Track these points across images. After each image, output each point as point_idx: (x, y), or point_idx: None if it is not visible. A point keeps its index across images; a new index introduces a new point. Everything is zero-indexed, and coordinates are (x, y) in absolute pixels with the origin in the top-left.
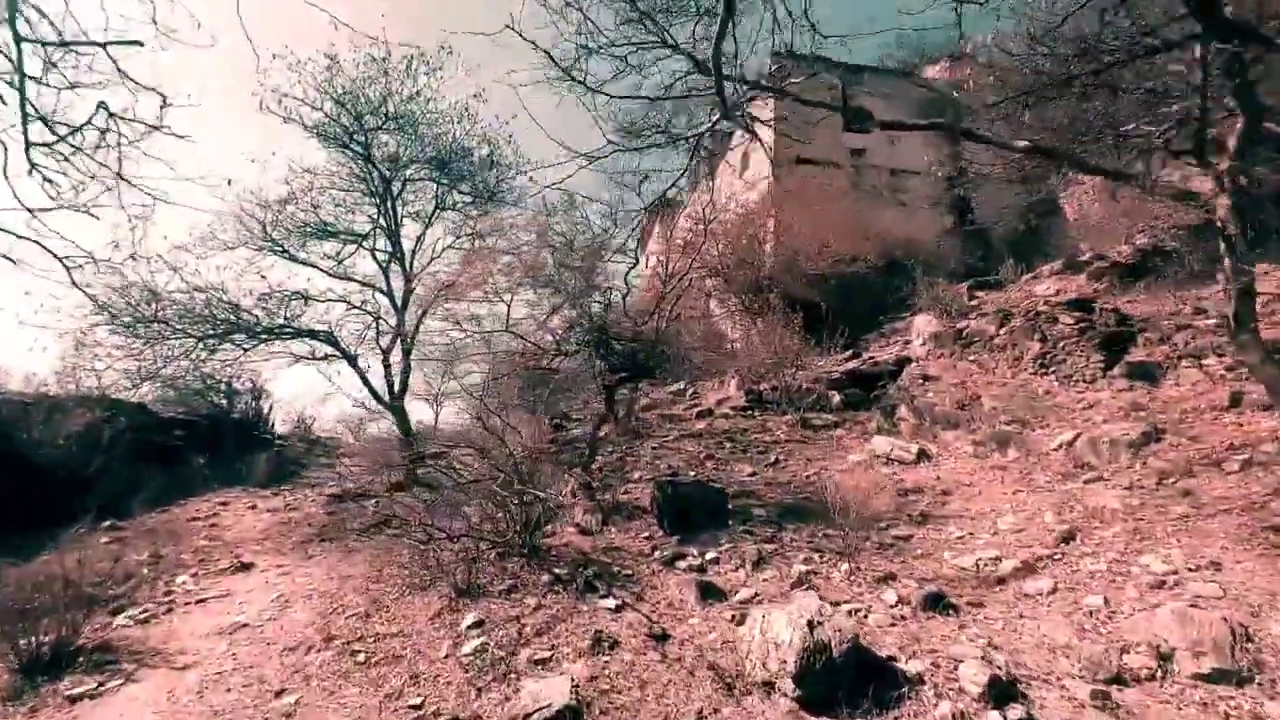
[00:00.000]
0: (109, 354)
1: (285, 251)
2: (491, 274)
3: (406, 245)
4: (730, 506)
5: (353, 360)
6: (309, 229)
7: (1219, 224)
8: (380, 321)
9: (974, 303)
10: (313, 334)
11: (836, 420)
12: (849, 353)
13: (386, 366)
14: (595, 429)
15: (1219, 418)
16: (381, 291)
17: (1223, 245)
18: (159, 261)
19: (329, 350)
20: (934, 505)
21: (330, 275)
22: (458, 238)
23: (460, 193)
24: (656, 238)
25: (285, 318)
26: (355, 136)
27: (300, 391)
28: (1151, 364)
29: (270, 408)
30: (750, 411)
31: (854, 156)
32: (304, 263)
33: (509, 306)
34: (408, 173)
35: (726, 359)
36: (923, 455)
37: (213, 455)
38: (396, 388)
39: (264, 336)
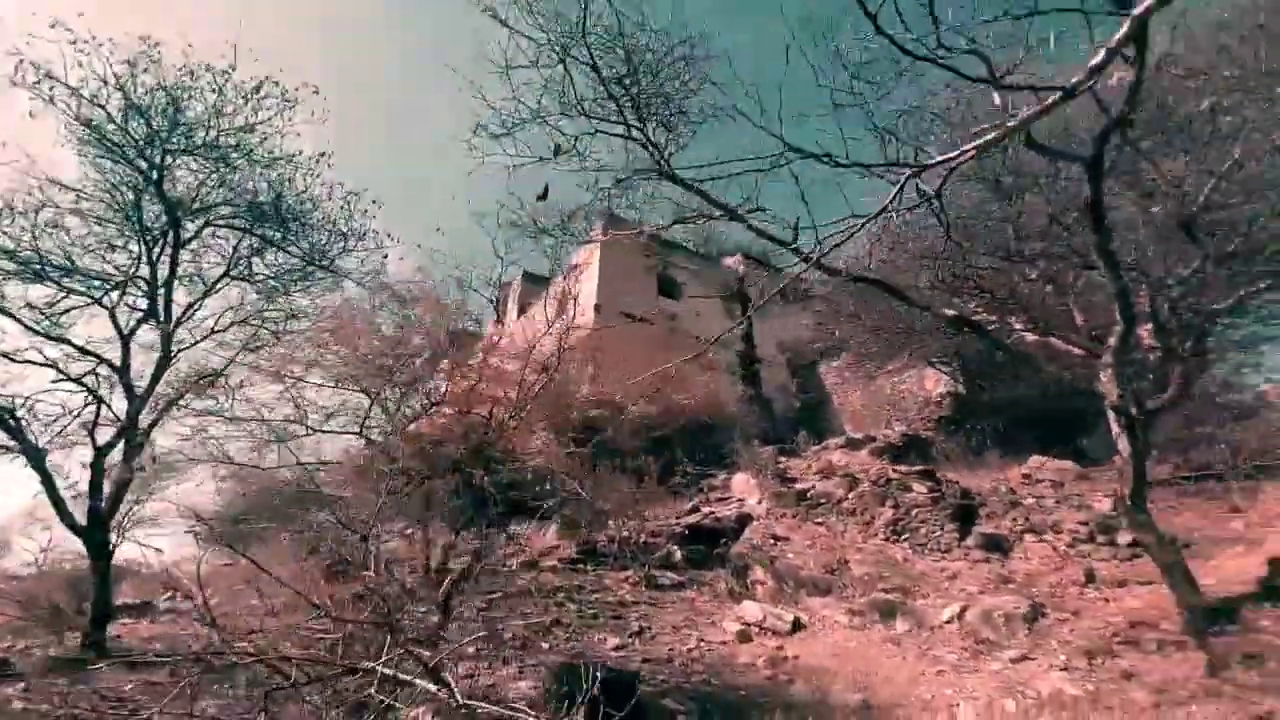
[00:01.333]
0: None
1: None
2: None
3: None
4: (640, 701)
5: (38, 457)
6: (19, 259)
7: (1112, 408)
8: (99, 407)
9: (781, 466)
10: None
11: (681, 580)
12: (688, 506)
13: (98, 472)
14: (451, 585)
15: (1083, 593)
16: (111, 366)
17: (1115, 426)
18: None
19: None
20: (871, 694)
21: (33, 331)
22: (261, 311)
23: (287, 250)
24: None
25: None
26: (146, 153)
27: None
28: (999, 536)
29: None
30: (582, 564)
31: (668, 320)
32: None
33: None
34: (206, 217)
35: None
36: (798, 625)
37: None
38: (104, 504)
39: None
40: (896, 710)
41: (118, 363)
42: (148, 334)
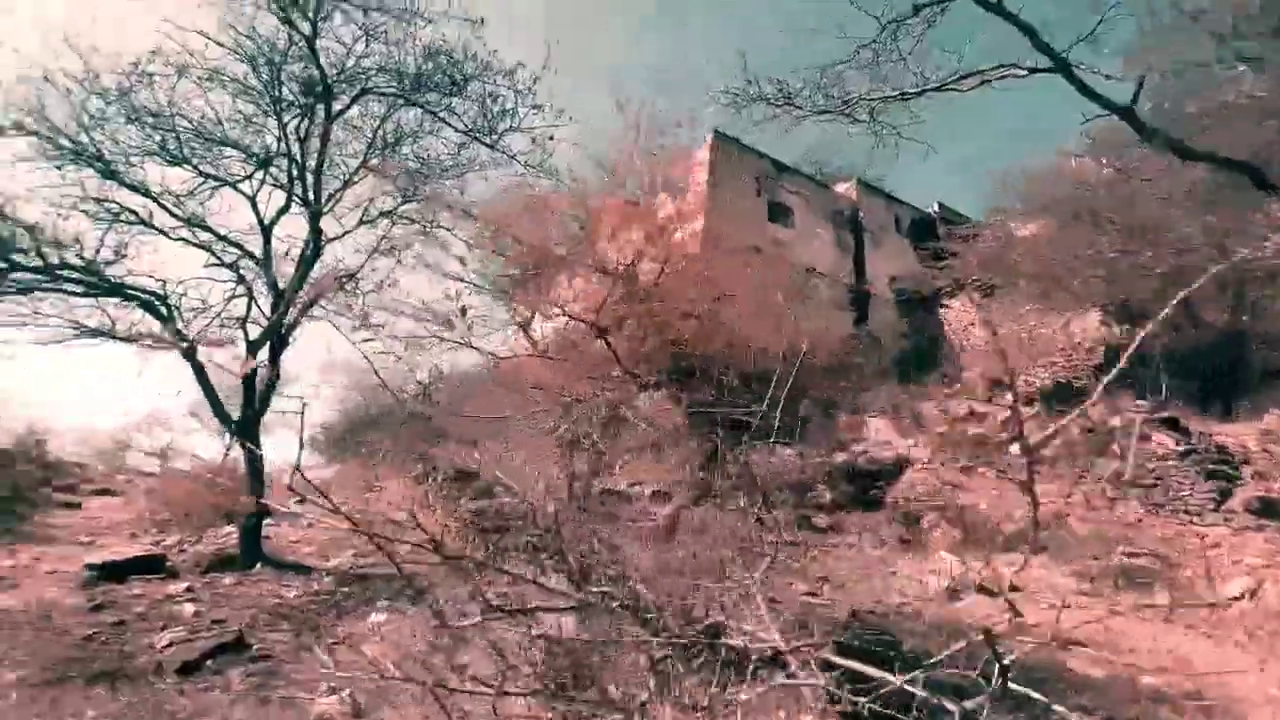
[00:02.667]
0: None
1: (107, 166)
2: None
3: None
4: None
5: (190, 350)
6: (160, 136)
7: None
8: (250, 302)
9: (917, 408)
10: (127, 293)
11: (829, 523)
12: (834, 446)
13: (251, 374)
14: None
15: None
16: (253, 258)
17: None
18: None
19: (146, 329)
20: (1171, 681)
21: (174, 216)
22: (403, 201)
23: (448, 123)
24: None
25: (88, 256)
26: (293, 5)
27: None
28: (1276, 500)
29: None
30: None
31: (776, 247)
32: (136, 188)
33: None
34: (361, 84)
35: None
36: (1013, 588)
37: None
38: (257, 401)
39: (38, 280)
40: (1236, 706)
41: (259, 255)
42: (286, 226)
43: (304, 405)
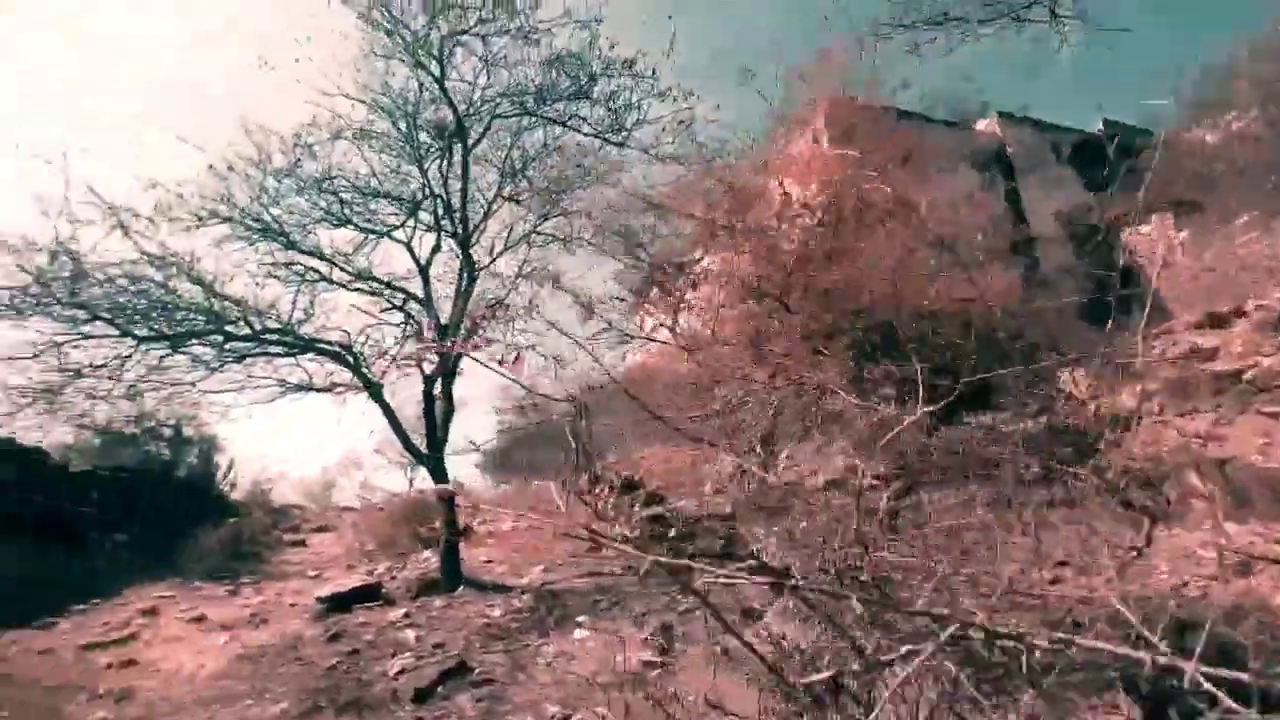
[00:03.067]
0: None
1: (287, 237)
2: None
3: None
4: None
5: (376, 391)
6: (324, 201)
7: None
8: (417, 336)
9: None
10: (319, 348)
11: (1048, 496)
12: (1033, 408)
13: (430, 401)
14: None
15: None
16: (416, 299)
17: None
18: (90, 214)
19: (338, 378)
20: None
21: (345, 272)
22: (541, 219)
23: (577, 129)
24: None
25: (284, 319)
26: (426, 43)
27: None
28: None
29: (230, 466)
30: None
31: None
32: (312, 253)
33: None
34: (491, 110)
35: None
36: None
37: (141, 530)
38: (439, 431)
39: (249, 347)
40: None
41: (421, 295)
42: (442, 263)
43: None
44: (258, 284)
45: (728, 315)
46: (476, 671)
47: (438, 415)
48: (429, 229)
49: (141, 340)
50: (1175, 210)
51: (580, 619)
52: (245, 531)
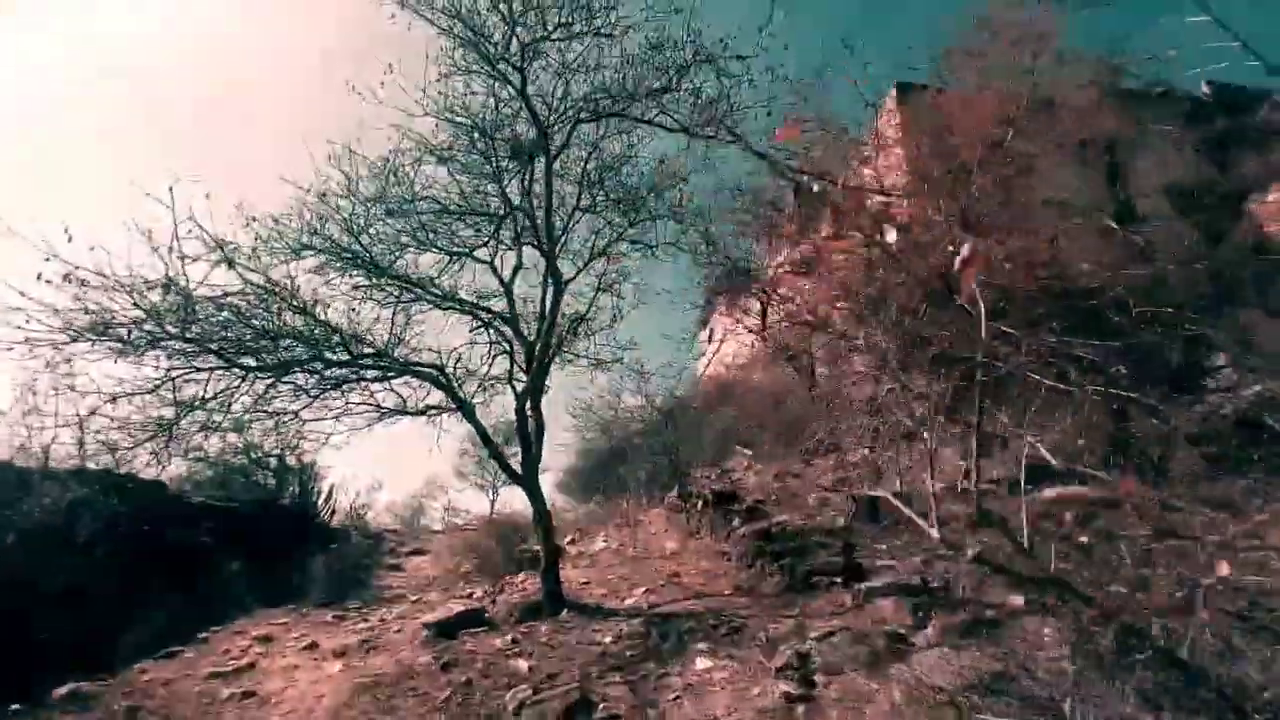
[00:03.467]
0: (92, 393)
1: (375, 264)
2: None
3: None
4: None
5: (469, 411)
6: (409, 226)
7: None
8: (513, 359)
9: None
10: (415, 370)
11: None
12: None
13: (523, 420)
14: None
15: None
16: (502, 318)
17: None
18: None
19: (432, 399)
20: None
21: (432, 294)
22: (626, 225)
23: (664, 126)
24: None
25: (378, 344)
26: (507, 54)
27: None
28: None
29: (331, 492)
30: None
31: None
32: (399, 277)
33: None
34: (573, 115)
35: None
36: None
37: (250, 558)
38: (533, 448)
39: (347, 373)
40: None
41: (506, 313)
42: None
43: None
44: (353, 310)
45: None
46: (600, 707)
47: (530, 433)
48: (510, 247)
49: (248, 371)
50: None
51: (700, 646)
52: (348, 557)
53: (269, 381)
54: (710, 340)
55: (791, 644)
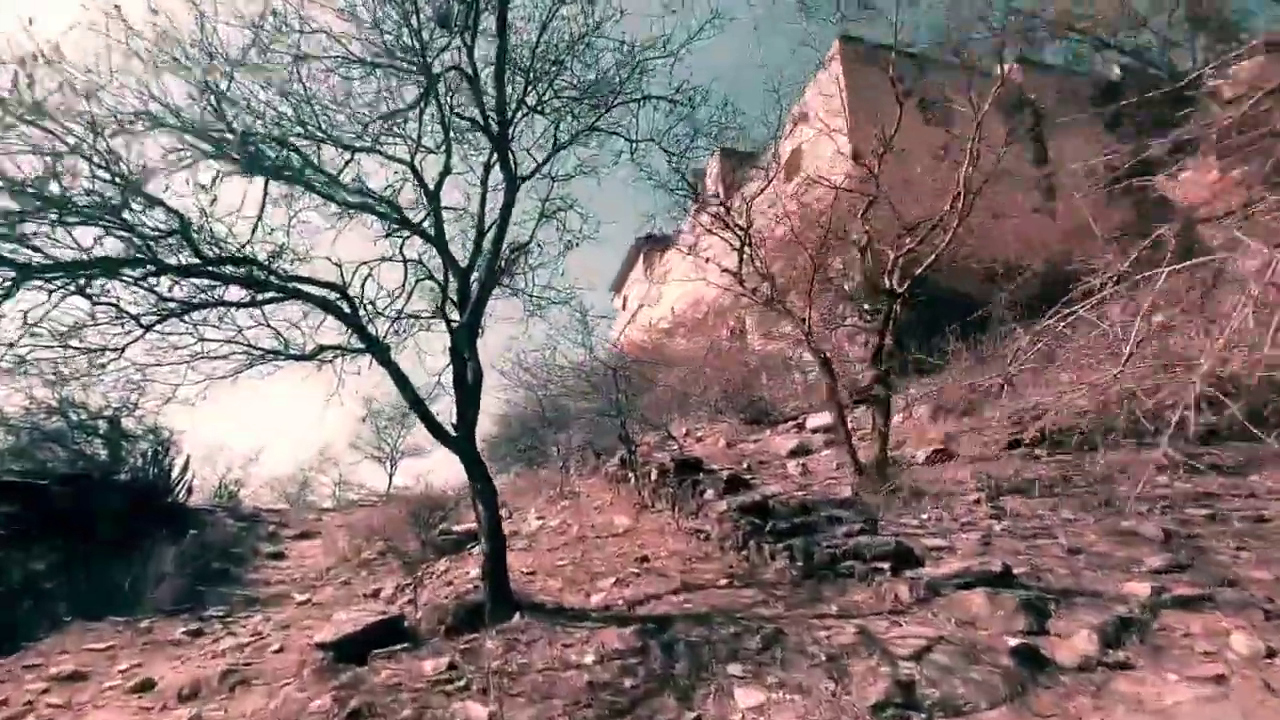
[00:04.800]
0: None
1: (247, 153)
2: None
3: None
4: None
5: (384, 353)
6: (292, 110)
7: None
8: (438, 284)
9: None
10: (304, 292)
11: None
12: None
13: (459, 363)
14: None
15: None
16: (426, 235)
17: None
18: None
19: (326, 336)
20: None
21: (322, 187)
22: (606, 109)
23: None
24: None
25: (249, 250)
26: None
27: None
28: None
29: (188, 464)
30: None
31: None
32: (273, 171)
33: None
34: None
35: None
36: None
37: (68, 552)
38: (470, 403)
39: (198, 292)
40: None
41: (431, 229)
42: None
43: None
44: (202, 199)
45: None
46: None
47: (469, 381)
48: (434, 150)
49: (19, 275)
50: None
51: (733, 670)
52: (212, 546)
53: (58, 290)
54: (624, 307)
55: (871, 663)
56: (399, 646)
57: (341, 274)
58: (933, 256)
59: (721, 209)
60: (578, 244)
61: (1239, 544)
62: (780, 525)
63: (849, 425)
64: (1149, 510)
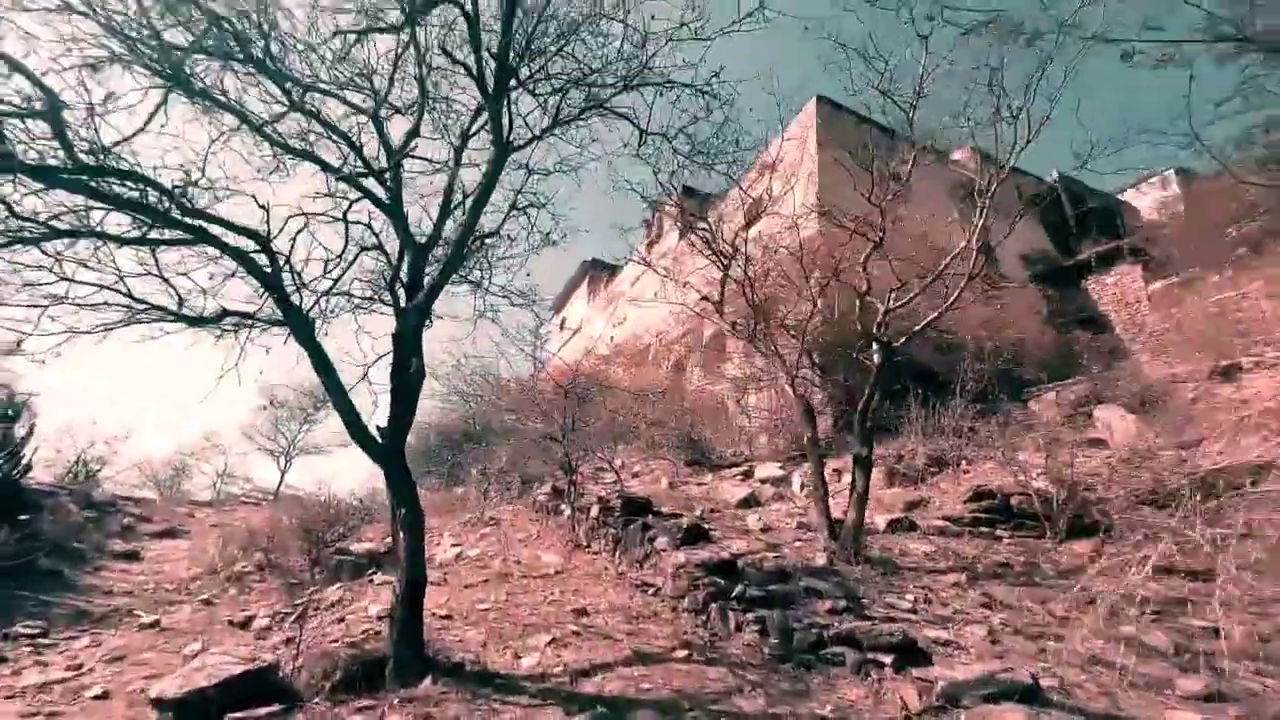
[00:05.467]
0: None
1: (175, 70)
2: None
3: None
4: None
5: (305, 328)
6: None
7: None
8: (401, 261)
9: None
10: (211, 236)
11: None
12: None
13: (405, 354)
14: None
15: None
16: (381, 203)
17: None
18: None
19: (232, 298)
20: None
21: (280, 148)
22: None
23: None
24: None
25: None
26: None
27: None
28: None
29: (31, 433)
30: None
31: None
32: (228, 106)
33: None
34: None
35: None
36: None
37: None
38: (405, 405)
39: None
40: None
41: (387, 198)
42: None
43: None
44: (93, 88)
45: None
46: None
47: (410, 381)
48: (402, 110)
49: None
50: (1147, 261)
51: None
52: (45, 535)
53: None
54: (563, 328)
55: None
56: (267, 711)
57: (268, 223)
58: (935, 315)
59: (706, 232)
60: (554, 243)
61: (1256, 668)
62: (752, 592)
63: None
64: (1139, 615)
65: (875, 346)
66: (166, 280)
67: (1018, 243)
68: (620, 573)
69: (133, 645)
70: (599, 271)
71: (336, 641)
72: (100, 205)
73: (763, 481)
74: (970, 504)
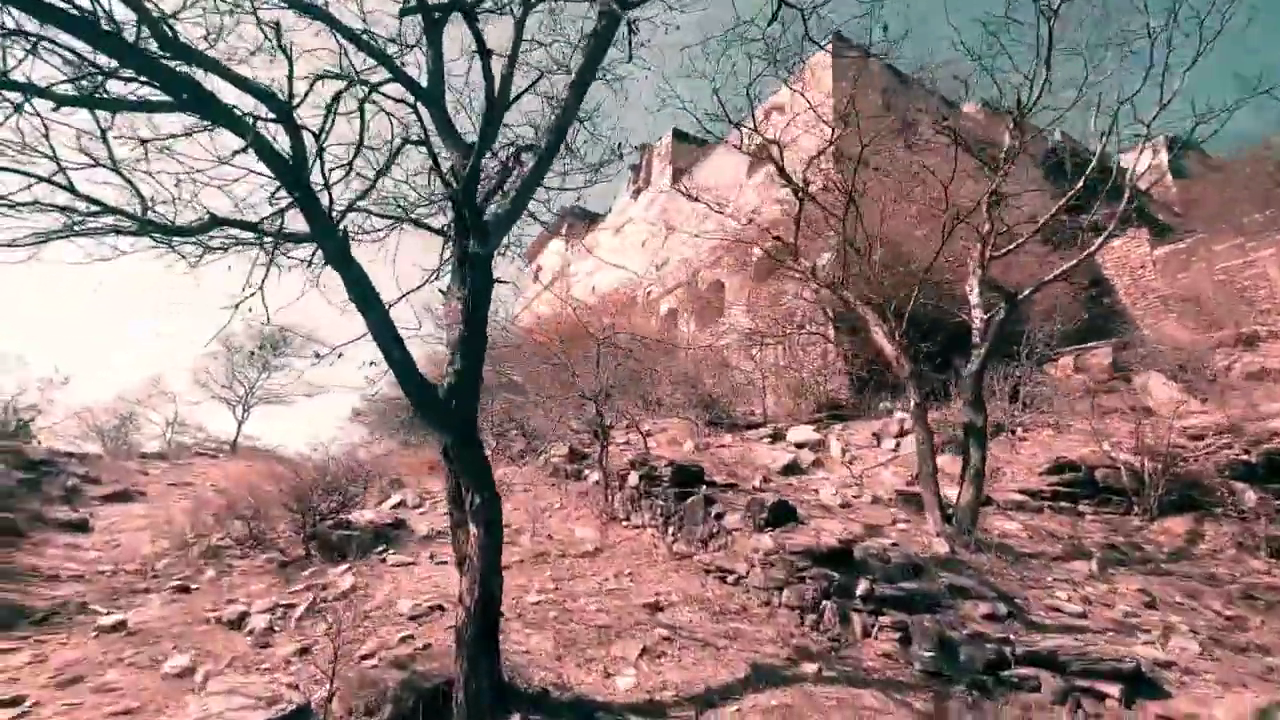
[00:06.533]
0: None
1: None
2: None
3: None
4: None
5: (338, 244)
6: None
7: None
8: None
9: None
10: (201, 96)
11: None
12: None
13: (484, 281)
14: None
15: None
16: (418, 89)
17: None
18: None
19: (219, 205)
20: None
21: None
22: None
23: None
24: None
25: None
26: None
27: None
28: None
29: None
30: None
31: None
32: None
33: None
34: None
35: None
36: None
37: None
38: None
39: None
40: None
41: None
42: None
43: None
44: None
45: None
46: None
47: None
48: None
49: None
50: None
51: None
52: None
53: None
54: (537, 277)
55: None
56: None
57: (290, 86)
58: (1073, 263)
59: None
60: (622, 156)
61: None
62: (883, 589)
63: (936, 459)
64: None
65: (981, 299)
66: (121, 173)
67: (1028, 201)
68: (676, 553)
69: (91, 659)
70: (683, 144)
71: (371, 657)
72: (29, 34)
73: (799, 446)
74: (1048, 476)
